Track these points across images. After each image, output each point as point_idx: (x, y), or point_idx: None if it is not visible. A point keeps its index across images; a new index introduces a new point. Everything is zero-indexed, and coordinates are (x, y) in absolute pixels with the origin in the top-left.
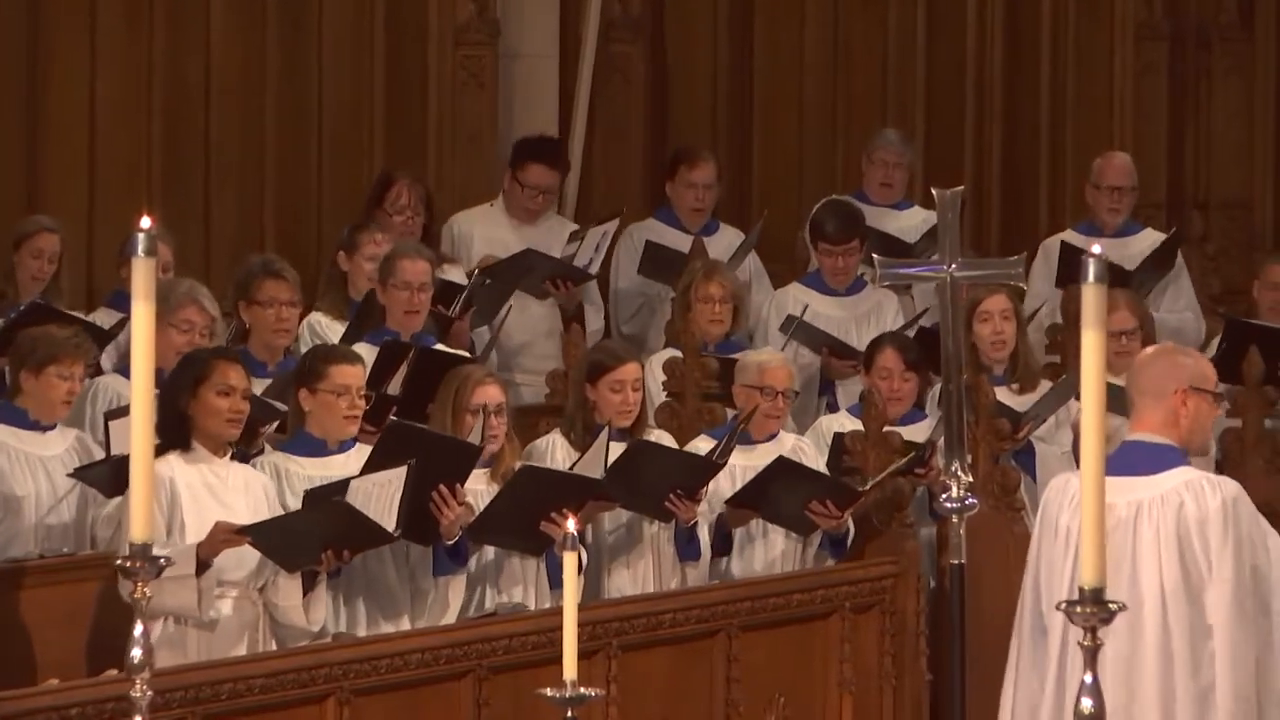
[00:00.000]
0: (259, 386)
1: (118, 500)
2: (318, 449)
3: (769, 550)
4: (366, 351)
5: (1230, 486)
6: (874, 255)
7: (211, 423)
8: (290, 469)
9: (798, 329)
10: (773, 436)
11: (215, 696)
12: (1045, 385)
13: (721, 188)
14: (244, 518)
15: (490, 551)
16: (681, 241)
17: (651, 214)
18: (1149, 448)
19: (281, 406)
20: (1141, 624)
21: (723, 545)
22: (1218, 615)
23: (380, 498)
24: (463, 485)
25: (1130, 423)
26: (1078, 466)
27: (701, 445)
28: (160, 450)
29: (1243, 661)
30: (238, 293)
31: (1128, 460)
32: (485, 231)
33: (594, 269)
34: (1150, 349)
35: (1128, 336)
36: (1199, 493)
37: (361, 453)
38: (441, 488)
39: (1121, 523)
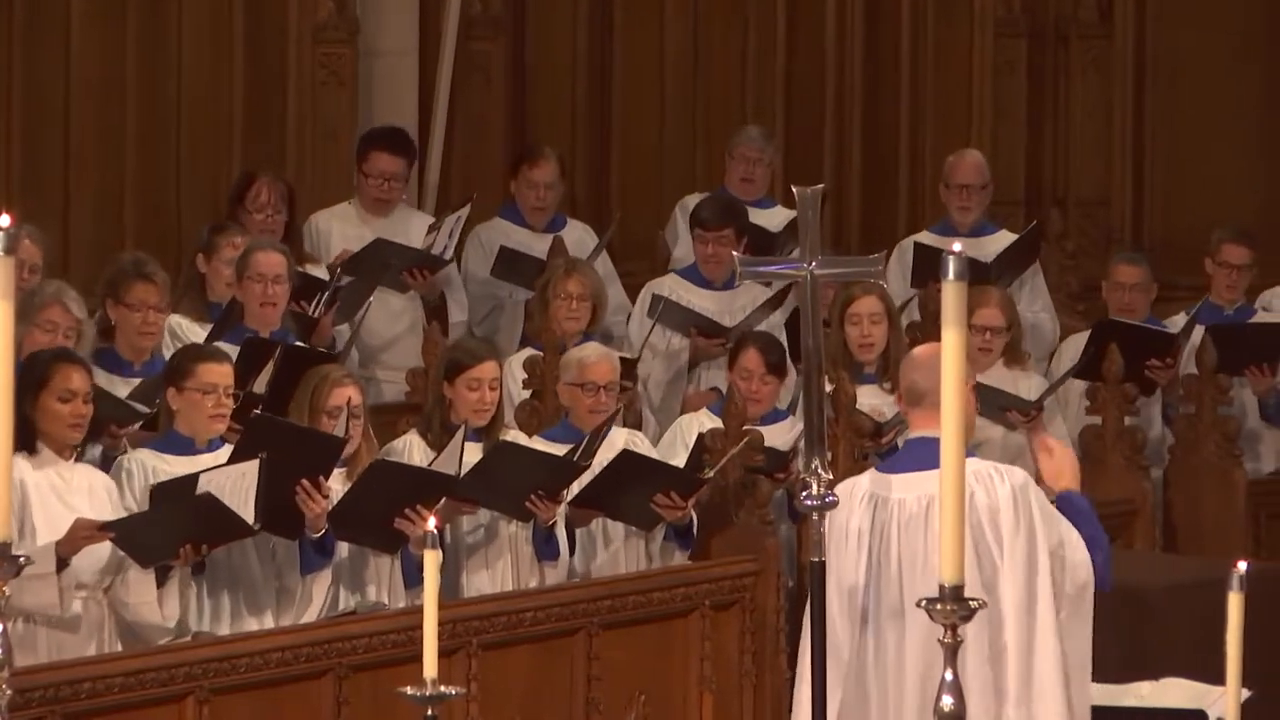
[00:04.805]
0: (125, 386)
1: None
2: (186, 447)
3: (610, 545)
4: (228, 351)
5: (1018, 475)
6: (734, 252)
7: (53, 428)
8: (158, 467)
9: (664, 311)
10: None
11: (75, 695)
12: None
13: (571, 187)
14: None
15: (344, 549)
16: (530, 239)
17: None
18: (935, 442)
19: (143, 409)
20: None
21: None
22: (1010, 602)
23: (234, 491)
24: (327, 479)
25: (914, 420)
26: None
27: (538, 446)
28: None
29: (1038, 647)
30: (106, 289)
31: (916, 456)
32: (342, 228)
33: (448, 255)
34: (924, 346)
35: (992, 333)
36: (988, 482)
37: (229, 452)
38: (305, 482)
39: (914, 518)
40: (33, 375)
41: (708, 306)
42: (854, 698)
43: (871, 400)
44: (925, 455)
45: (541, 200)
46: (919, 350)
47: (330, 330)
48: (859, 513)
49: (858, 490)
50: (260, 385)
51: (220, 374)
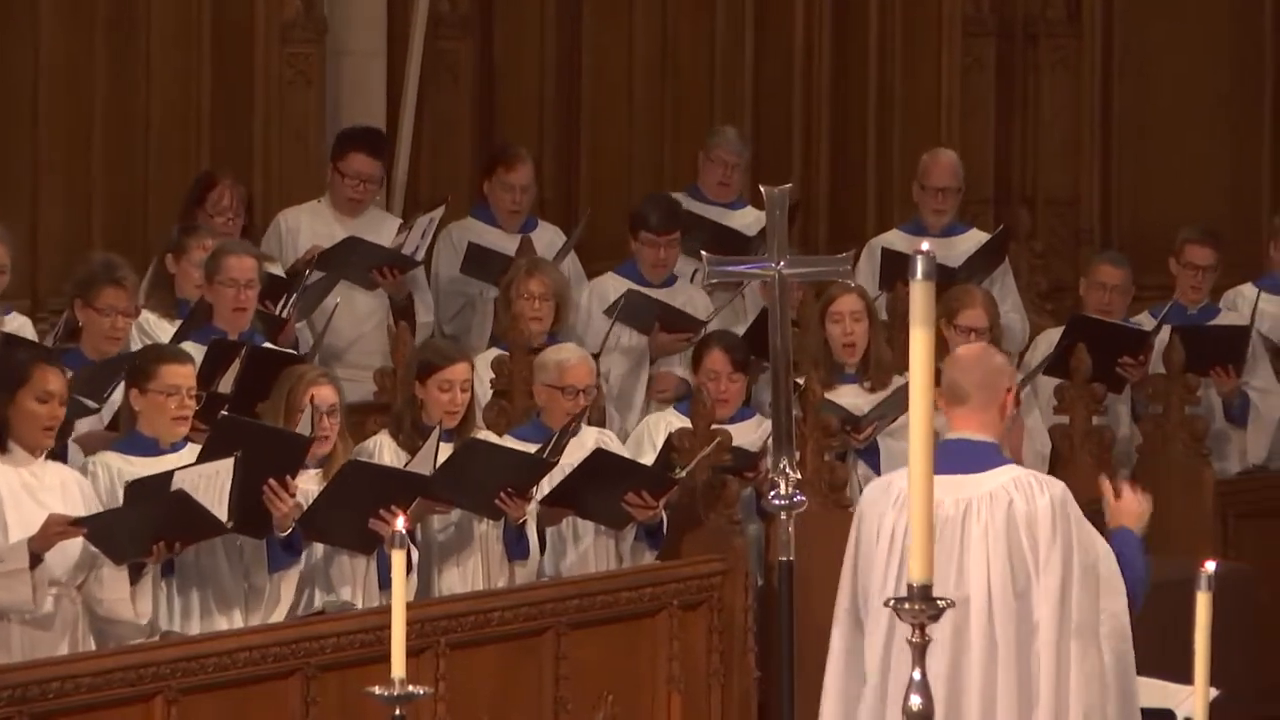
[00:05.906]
0: None
1: None
2: (150, 449)
3: (579, 544)
4: (194, 350)
5: (1057, 486)
6: (703, 252)
7: (26, 429)
8: (124, 469)
9: (625, 308)
10: (575, 432)
11: (42, 695)
12: (899, 381)
13: (540, 187)
14: None
15: (319, 550)
16: (501, 240)
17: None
18: (974, 445)
19: (92, 404)
20: (967, 621)
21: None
22: (1043, 612)
23: (208, 489)
24: (294, 477)
25: (953, 420)
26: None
27: (509, 444)
28: None
29: (1065, 657)
30: (76, 290)
31: (954, 458)
32: (312, 226)
33: (419, 256)
34: (972, 346)
35: (976, 334)
36: (1028, 491)
37: (193, 452)
38: (272, 481)
39: (949, 520)
40: (11, 374)
41: None
42: (875, 701)
43: (853, 399)
44: (965, 457)
45: (517, 203)
46: (963, 350)
47: (293, 327)
48: (892, 514)
49: (892, 490)
50: (225, 386)
51: (183, 375)
